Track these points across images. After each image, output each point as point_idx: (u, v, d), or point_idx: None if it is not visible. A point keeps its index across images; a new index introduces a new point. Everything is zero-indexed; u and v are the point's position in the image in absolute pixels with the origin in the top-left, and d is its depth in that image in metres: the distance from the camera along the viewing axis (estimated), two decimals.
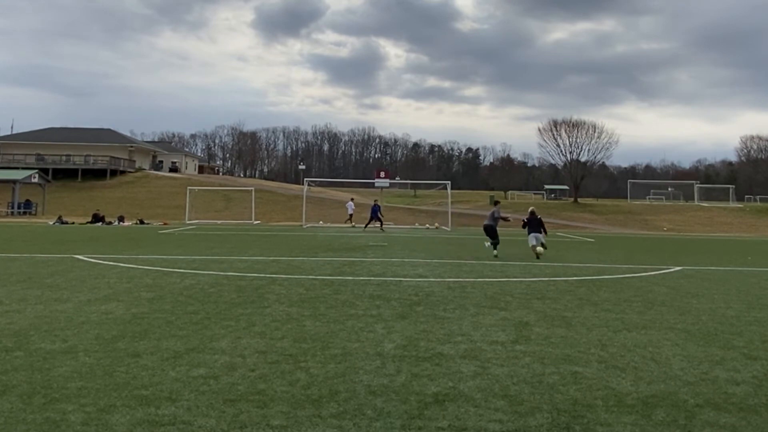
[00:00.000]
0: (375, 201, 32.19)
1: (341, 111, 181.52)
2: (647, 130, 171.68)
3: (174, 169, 70.54)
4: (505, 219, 16.57)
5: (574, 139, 59.49)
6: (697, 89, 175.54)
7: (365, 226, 30.43)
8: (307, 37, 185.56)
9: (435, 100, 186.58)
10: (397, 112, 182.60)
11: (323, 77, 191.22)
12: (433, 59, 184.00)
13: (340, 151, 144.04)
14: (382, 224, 30.79)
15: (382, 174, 37.72)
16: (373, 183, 37.94)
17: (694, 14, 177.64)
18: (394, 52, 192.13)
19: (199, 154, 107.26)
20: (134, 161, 62.45)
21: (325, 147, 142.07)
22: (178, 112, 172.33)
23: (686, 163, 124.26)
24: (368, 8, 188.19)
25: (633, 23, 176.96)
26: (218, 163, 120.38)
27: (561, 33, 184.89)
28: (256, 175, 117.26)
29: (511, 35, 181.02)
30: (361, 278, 10.28)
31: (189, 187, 39.51)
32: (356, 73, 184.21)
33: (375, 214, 30.18)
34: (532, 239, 15.13)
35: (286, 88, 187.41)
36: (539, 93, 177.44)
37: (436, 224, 34.89)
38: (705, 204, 55.07)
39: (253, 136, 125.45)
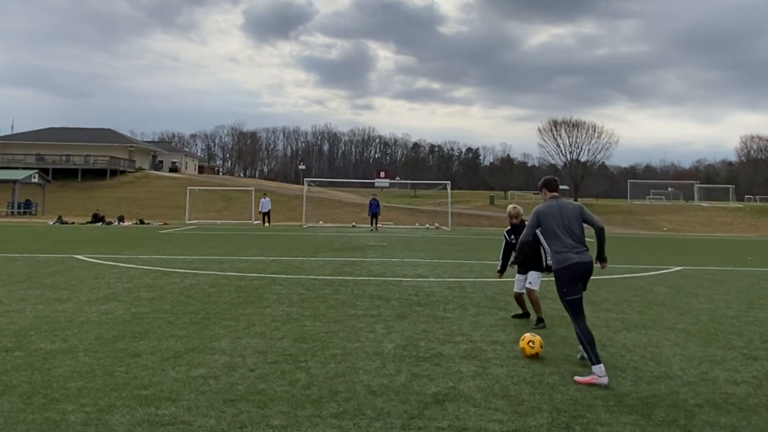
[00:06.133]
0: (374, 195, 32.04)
1: (335, 111, 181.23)
2: (640, 130, 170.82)
3: (174, 169, 70.52)
4: None
5: (574, 139, 59.67)
6: (687, 90, 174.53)
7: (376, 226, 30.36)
8: (296, 39, 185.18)
9: (427, 101, 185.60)
10: (390, 113, 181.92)
11: (315, 78, 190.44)
12: (421, 61, 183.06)
13: (340, 151, 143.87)
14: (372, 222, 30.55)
15: (382, 174, 37.71)
16: (373, 183, 37.93)
17: (674, 18, 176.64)
18: (383, 54, 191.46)
19: (199, 154, 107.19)
20: (134, 161, 62.41)
21: (325, 147, 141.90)
22: (175, 112, 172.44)
23: (686, 163, 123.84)
24: (355, 12, 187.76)
25: (614, 26, 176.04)
26: (218, 163, 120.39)
27: (545, 35, 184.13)
28: (256, 175, 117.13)
29: (496, 38, 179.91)
30: (361, 278, 10.28)
31: (189, 187, 39.49)
32: (347, 74, 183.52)
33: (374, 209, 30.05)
34: None
35: (280, 89, 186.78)
36: (530, 94, 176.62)
37: (436, 224, 34.87)
38: (705, 204, 55.02)
39: (253, 136, 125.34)
